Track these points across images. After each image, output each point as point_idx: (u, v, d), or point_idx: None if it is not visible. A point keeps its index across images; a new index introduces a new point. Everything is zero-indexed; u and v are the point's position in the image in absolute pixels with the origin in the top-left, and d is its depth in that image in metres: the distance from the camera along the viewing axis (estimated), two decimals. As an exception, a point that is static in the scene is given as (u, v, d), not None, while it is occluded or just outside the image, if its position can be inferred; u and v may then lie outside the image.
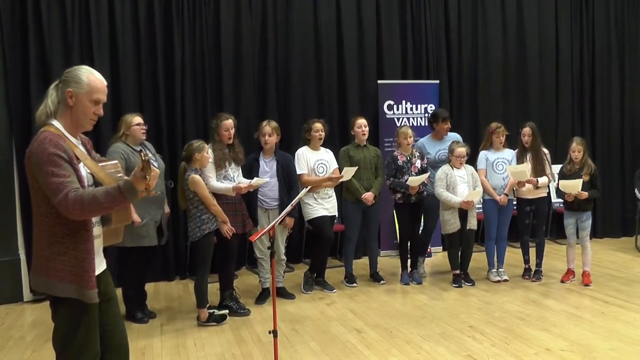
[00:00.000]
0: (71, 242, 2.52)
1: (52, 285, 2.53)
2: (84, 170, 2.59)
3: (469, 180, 6.11)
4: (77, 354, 2.58)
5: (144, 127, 5.25)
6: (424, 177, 6.05)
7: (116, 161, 2.83)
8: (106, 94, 2.67)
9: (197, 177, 5.00)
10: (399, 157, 6.20)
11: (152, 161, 5.20)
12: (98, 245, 2.70)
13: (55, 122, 2.58)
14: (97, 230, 2.67)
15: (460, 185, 6.06)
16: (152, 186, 2.47)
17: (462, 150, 6.09)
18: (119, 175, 2.70)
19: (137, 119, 5.20)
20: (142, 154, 2.45)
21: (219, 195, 5.20)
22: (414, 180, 5.98)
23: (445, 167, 6.14)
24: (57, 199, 2.42)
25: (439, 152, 6.47)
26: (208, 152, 5.14)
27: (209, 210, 5.06)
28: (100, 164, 2.70)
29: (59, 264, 2.51)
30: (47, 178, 2.43)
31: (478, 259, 6.78)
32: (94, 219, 2.64)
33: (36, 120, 2.62)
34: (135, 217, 4.85)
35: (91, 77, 2.61)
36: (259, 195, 5.65)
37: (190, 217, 5.09)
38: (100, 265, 2.72)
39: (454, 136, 6.54)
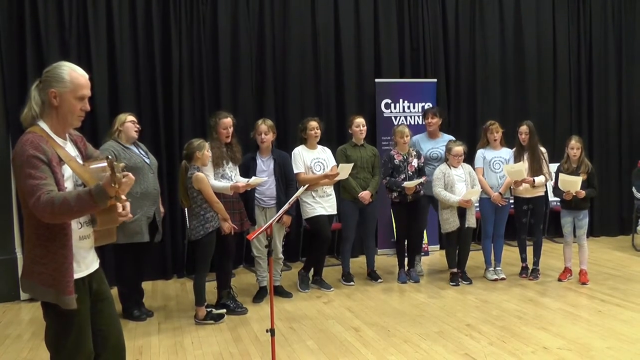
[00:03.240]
0: (51, 246, 2.48)
1: (34, 287, 2.51)
2: (68, 172, 2.54)
3: (467, 179, 6.12)
4: (70, 355, 2.57)
5: (138, 126, 5.25)
6: (419, 181, 6.06)
7: (105, 164, 2.76)
8: (90, 88, 2.62)
9: (201, 174, 5.00)
10: (395, 156, 6.20)
11: (143, 157, 5.21)
12: (88, 245, 2.66)
13: (41, 123, 2.53)
14: (85, 230, 2.63)
15: (458, 184, 6.06)
16: (124, 193, 2.40)
17: (459, 149, 6.09)
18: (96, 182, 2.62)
19: (131, 117, 5.23)
20: (107, 158, 2.35)
21: (217, 194, 5.19)
22: (409, 184, 6.00)
23: (443, 167, 6.15)
24: (31, 201, 2.37)
25: (431, 150, 6.48)
26: (208, 150, 5.14)
27: (212, 209, 5.06)
28: (90, 166, 2.64)
29: (40, 267, 2.49)
30: (25, 180, 2.39)
31: (475, 257, 6.79)
32: (82, 220, 2.60)
33: (22, 123, 2.56)
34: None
35: (73, 74, 2.55)
36: (256, 194, 5.64)
37: (194, 215, 5.08)
38: (92, 264, 2.70)
39: (449, 138, 6.54)
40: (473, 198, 6.02)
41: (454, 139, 6.50)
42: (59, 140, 2.57)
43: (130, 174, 2.42)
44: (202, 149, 5.03)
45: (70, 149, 2.64)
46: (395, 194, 6.16)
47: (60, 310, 2.51)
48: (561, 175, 5.92)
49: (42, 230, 2.47)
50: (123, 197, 2.42)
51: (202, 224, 5.04)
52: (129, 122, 5.16)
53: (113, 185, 2.31)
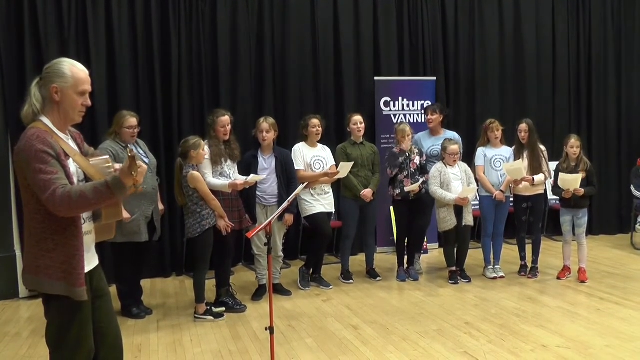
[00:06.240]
0: (60, 239, 2.49)
1: (41, 282, 2.51)
2: (73, 166, 2.56)
3: (463, 177, 6.13)
4: (71, 351, 2.57)
5: (136, 130, 5.20)
6: (419, 182, 6.05)
7: (107, 156, 2.79)
8: (90, 83, 2.64)
9: (196, 173, 4.99)
10: (398, 153, 6.20)
11: (142, 157, 5.21)
12: (90, 241, 2.67)
13: (44, 119, 2.54)
14: (88, 226, 2.64)
15: (454, 183, 6.06)
16: (140, 182, 2.44)
17: (454, 147, 6.09)
18: (110, 170, 2.66)
19: (130, 122, 5.15)
20: (128, 149, 2.44)
21: (215, 192, 5.18)
22: (411, 188, 6.01)
23: (439, 165, 6.15)
24: (45, 195, 2.38)
25: (432, 147, 6.49)
26: (204, 149, 5.12)
27: (208, 206, 5.06)
28: (90, 160, 2.66)
29: (48, 261, 2.49)
30: (35, 175, 2.39)
31: (474, 255, 6.79)
32: (85, 215, 2.61)
33: (23, 121, 2.57)
34: (125, 214, 4.84)
35: (74, 70, 2.57)
36: (257, 192, 5.64)
37: (190, 213, 5.08)
38: (92, 261, 2.70)
39: (452, 135, 6.54)
40: (469, 196, 6.02)
41: (456, 135, 6.51)
42: (62, 135, 2.59)
43: (143, 165, 2.46)
44: (197, 148, 5.02)
45: (72, 144, 2.65)
46: (397, 191, 6.15)
47: (63, 307, 2.52)
48: (561, 174, 5.92)
49: (51, 224, 2.48)
50: (140, 186, 2.49)
51: (198, 221, 5.04)
52: (125, 129, 5.12)
53: (133, 174, 2.36)
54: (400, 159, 6.14)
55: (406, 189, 6.03)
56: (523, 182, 6.09)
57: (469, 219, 6.12)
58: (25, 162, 2.42)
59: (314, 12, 7.39)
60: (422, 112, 7.10)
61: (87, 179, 2.61)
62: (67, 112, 2.58)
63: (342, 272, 6.40)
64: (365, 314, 5.26)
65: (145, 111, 6.58)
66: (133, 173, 2.37)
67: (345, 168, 5.93)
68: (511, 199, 6.42)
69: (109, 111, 6.21)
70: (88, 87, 2.62)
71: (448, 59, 8.07)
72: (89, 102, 2.64)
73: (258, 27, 7.19)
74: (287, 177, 5.71)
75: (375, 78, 7.65)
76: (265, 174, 5.57)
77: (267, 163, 5.68)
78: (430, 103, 7.51)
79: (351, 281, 6.31)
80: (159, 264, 6.73)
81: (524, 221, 6.36)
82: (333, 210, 6.19)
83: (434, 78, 7.87)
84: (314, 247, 6.17)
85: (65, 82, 2.54)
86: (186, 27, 6.80)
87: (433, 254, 7.59)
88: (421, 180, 6.10)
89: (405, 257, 6.47)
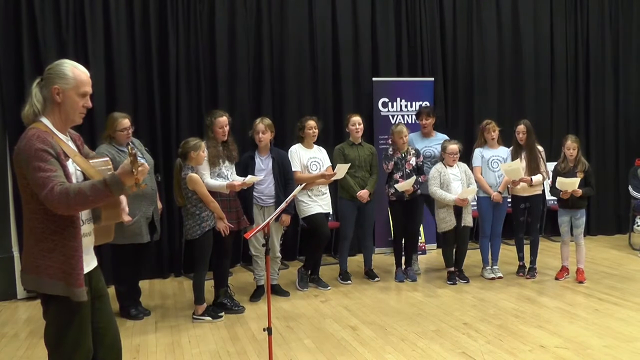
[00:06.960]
0: (59, 240, 2.50)
1: (40, 282, 2.52)
2: (72, 167, 2.57)
3: (463, 177, 6.13)
4: (69, 352, 2.57)
5: (130, 130, 5.18)
6: (411, 182, 6.04)
7: (107, 158, 2.80)
8: (91, 85, 2.65)
9: (195, 176, 4.99)
10: (394, 153, 6.20)
11: (139, 158, 5.19)
12: (89, 243, 2.68)
13: (44, 120, 2.55)
14: (87, 227, 2.65)
15: (454, 183, 6.06)
16: (141, 180, 2.45)
17: (454, 147, 6.10)
18: (110, 172, 2.66)
19: (123, 124, 5.11)
20: (129, 147, 2.46)
21: (213, 193, 5.18)
22: (402, 186, 5.99)
23: (439, 166, 6.15)
24: (43, 193, 2.39)
25: (425, 148, 6.50)
26: (204, 151, 5.12)
27: (207, 208, 5.06)
28: (90, 161, 2.67)
29: (47, 261, 2.49)
30: (34, 173, 2.41)
31: (472, 256, 6.79)
32: (84, 217, 2.62)
33: (23, 121, 2.58)
34: (125, 216, 4.81)
35: (76, 71, 2.58)
36: (254, 193, 5.64)
37: (189, 215, 5.08)
38: (91, 262, 2.71)
39: (443, 137, 6.55)
40: (469, 197, 6.02)
41: (447, 138, 6.51)
42: (62, 136, 2.60)
43: (145, 164, 2.49)
44: (197, 150, 5.01)
45: (72, 146, 2.66)
46: (392, 190, 6.16)
47: (62, 307, 2.53)
48: (559, 178, 5.93)
49: (50, 224, 2.49)
50: (142, 184, 2.50)
51: (198, 223, 5.04)
52: (119, 131, 5.10)
53: (134, 172, 2.38)
54: (390, 150, 6.16)
55: (396, 186, 6.02)
56: (521, 183, 6.10)
57: (468, 220, 6.12)
58: (25, 161, 2.43)
59: (312, 12, 7.39)
60: (415, 114, 7.08)
61: (86, 180, 2.62)
62: (68, 113, 2.59)
63: (340, 272, 6.40)
64: (363, 314, 5.26)
65: (143, 112, 6.59)
66: (134, 171, 2.38)
67: (342, 169, 5.94)
68: (509, 200, 6.43)
69: (107, 112, 6.18)
70: (89, 89, 2.63)
71: (446, 59, 8.07)
72: (90, 104, 2.65)
73: (256, 28, 7.18)
74: (284, 177, 5.71)
75: (374, 79, 7.65)
76: (262, 175, 5.58)
77: (263, 164, 5.68)
78: (427, 104, 7.51)
79: (349, 282, 6.31)
80: (157, 265, 6.72)
81: (522, 222, 6.36)
82: (330, 210, 6.20)
83: (432, 79, 7.88)
84: (312, 247, 6.16)
85: (66, 83, 2.55)
86: (184, 27, 6.79)
87: (431, 255, 7.60)
88: (414, 178, 6.09)
89: (403, 257, 6.47)
